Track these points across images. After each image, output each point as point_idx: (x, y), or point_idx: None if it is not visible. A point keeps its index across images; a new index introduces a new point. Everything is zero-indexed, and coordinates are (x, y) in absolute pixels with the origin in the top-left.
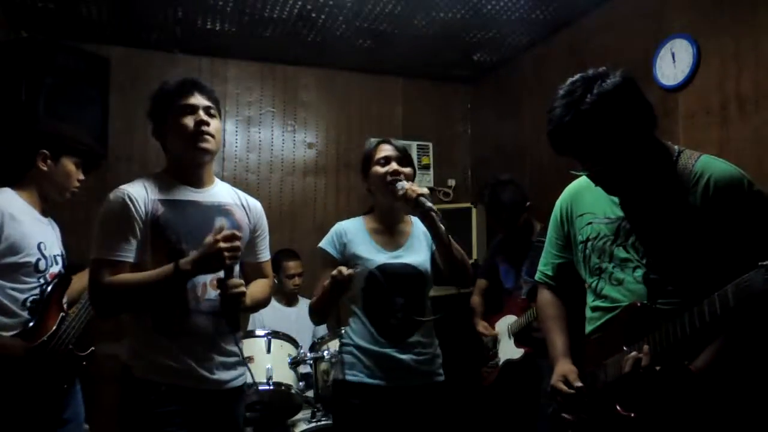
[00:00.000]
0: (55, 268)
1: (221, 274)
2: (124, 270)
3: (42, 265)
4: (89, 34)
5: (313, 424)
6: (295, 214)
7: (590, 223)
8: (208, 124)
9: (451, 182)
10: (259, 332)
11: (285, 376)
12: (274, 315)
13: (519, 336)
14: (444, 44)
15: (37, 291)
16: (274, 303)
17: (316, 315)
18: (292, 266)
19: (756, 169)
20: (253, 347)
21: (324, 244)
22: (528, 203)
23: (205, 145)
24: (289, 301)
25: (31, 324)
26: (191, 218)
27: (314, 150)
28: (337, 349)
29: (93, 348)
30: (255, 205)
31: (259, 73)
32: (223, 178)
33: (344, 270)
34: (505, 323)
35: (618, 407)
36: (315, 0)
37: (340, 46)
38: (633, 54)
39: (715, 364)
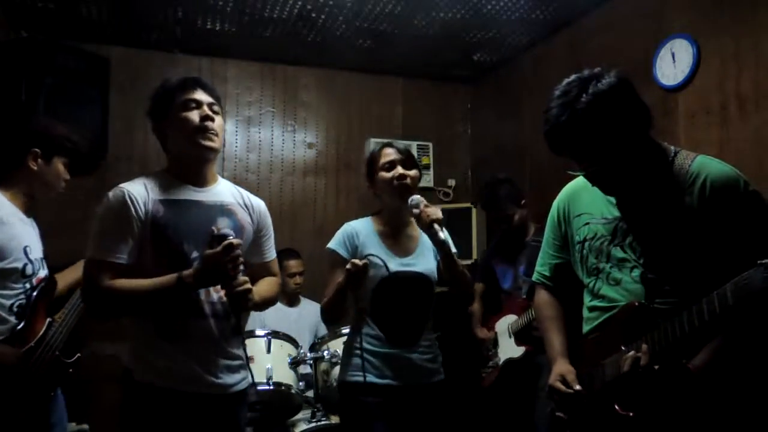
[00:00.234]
0: (42, 273)
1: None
2: (120, 271)
3: (29, 270)
4: (89, 34)
5: (313, 424)
6: (295, 214)
7: (587, 224)
8: (213, 119)
9: (451, 182)
10: (259, 332)
11: (285, 376)
12: (275, 315)
13: (519, 335)
14: (444, 44)
15: (23, 296)
16: None
17: (330, 314)
18: (293, 265)
19: (756, 169)
20: (253, 347)
21: (334, 245)
22: (523, 201)
23: (209, 143)
24: (290, 300)
25: (18, 328)
26: (193, 218)
27: (314, 150)
28: (339, 350)
29: (79, 354)
30: (258, 204)
31: (259, 73)
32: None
33: (358, 261)
34: (505, 323)
35: (617, 407)
36: (315, 0)
37: (340, 46)
38: (633, 54)
39: (714, 363)
